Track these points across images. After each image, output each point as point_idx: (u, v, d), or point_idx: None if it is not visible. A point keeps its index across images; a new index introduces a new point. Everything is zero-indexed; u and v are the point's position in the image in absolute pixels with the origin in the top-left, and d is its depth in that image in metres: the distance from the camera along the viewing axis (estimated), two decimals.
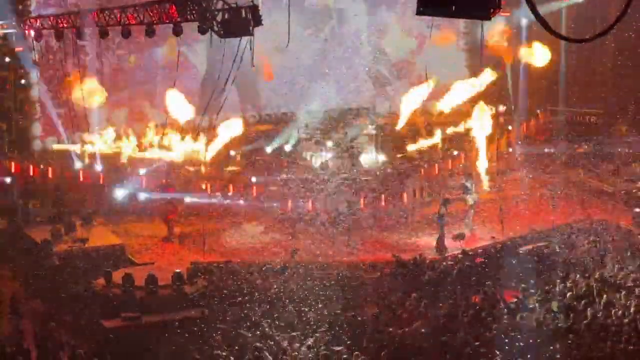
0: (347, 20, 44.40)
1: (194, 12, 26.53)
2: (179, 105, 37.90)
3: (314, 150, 38.15)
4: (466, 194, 33.31)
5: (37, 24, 30.66)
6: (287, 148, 38.78)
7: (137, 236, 32.86)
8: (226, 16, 26.33)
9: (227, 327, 23.49)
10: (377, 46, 44.98)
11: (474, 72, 41.62)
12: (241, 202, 35.12)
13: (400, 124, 40.44)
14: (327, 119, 41.75)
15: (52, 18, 30.40)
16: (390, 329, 22.63)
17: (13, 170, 35.19)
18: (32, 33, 31.34)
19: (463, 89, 40.16)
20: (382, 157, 37.67)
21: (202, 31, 26.52)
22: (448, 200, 33.13)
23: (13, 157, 35.33)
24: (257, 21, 26.21)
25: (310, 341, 22.52)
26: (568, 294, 24.44)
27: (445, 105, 40.79)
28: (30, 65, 35.87)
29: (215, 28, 26.41)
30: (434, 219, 32.44)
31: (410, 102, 41.53)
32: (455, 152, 39.30)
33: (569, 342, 21.24)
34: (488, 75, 40.00)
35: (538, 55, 40.55)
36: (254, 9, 26.31)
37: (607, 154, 39.69)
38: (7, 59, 35.53)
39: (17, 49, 35.25)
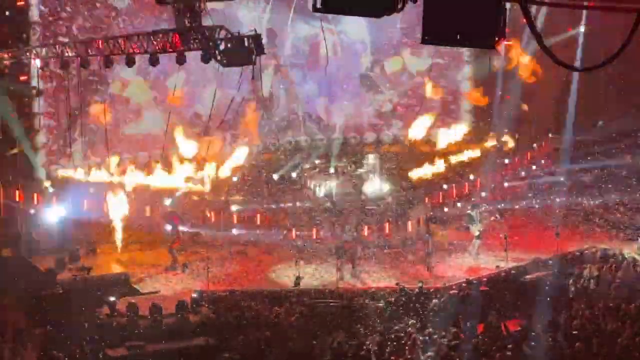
0: (350, 48, 44.42)
1: (197, 41, 26.60)
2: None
3: (318, 179, 38.15)
4: (471, 223, 33.17)
5: (42, 53, 30.71)
6: (292, 176, 38.80)
7: (141, 265, 32.80)
8: (229, 45, 26.44)
9: (232, 355, 23.43)
10: (381, 76, 45.00)
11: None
12: (245, 230, 35.13)
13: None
14: (331, 148, 41.83)
15: (56, 47, 30.46)
16: (394, 358, 22.57)
17: (17, 198, 35.16)
18: (37, 62, 31.38)
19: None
20: (386, 186, 37.64)
21: (205, 60, 26.63)
22: (432, 217, 33.16)
23: (17, 186, 35.29)
24: (260, 50, 26.31)
25: None
26: (572, 323, 24.39)
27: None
28: (35, 94, 35.91)
29: (218, 57, 26.51)
30: (442, 247, 32.50)
31: (414, 130, 41.78)
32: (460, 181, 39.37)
33: None
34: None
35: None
36: (257, 37, 26.41)
37: (612, 182, 39.64)
38: (12, 87, 35.59)
39: (21, 78, 35.33)
